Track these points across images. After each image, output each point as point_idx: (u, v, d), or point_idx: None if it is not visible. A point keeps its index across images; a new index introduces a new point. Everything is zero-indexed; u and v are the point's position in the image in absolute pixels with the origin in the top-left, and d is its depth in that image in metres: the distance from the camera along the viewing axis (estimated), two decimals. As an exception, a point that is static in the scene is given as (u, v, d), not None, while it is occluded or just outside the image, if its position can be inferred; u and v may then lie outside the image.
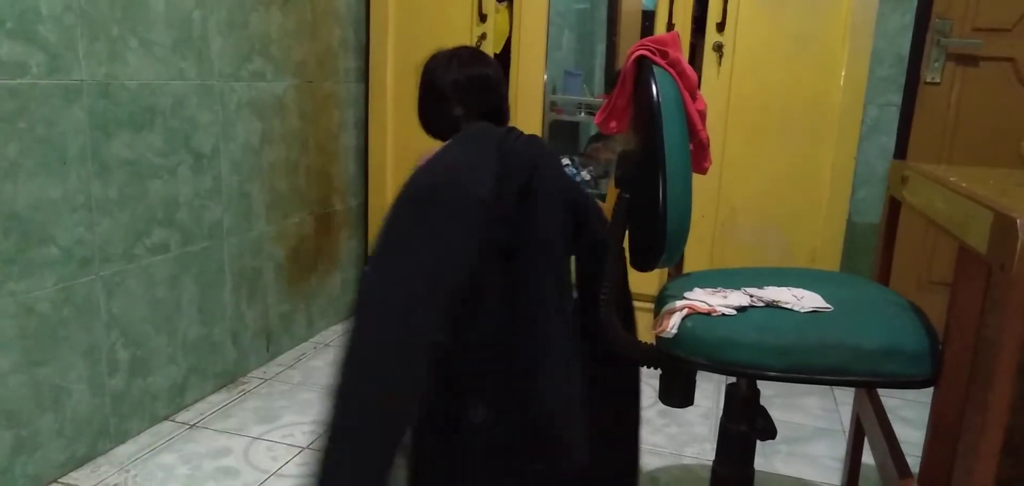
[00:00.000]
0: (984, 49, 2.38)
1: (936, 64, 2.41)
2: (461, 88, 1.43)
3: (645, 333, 1.23)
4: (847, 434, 1.71)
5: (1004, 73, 2.39)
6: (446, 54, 1.49)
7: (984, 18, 2.37)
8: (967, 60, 2.40)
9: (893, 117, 2.45)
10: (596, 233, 1.29)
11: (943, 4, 2.38)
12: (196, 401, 1.97)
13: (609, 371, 1.38)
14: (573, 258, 1.29)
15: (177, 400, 1.91)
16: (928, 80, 2.43)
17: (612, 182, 1.21)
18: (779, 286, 1.15)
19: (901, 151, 2.47)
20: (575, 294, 1.29)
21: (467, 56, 1.48)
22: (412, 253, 1.14)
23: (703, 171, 1.21)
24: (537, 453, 1.24)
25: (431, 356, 1.12)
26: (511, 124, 1.34)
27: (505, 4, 2.38)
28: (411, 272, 1.13)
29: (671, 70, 1.09)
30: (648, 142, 1.07)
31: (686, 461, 1.79)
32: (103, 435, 1.69)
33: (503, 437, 1.23)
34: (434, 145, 1.47)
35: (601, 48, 3.02)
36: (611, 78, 2.93)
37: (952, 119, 2.45)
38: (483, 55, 1.51)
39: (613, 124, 1.22)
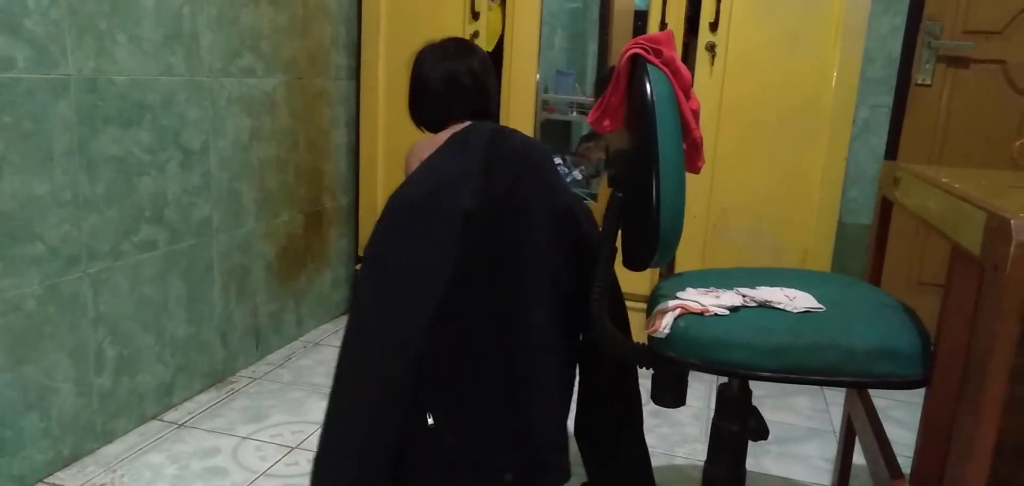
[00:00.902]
0: (975, 51, 2.39)
1: (927, 66, 2.42)
2: (447, 83, 1.42)
3: (638, 333, 1.23)
4: (838, 434, 1.71)
5: (994, 75, 2.40)
6: (434, 47, 1.48)
7: (975, 21, 2.38)
8: (958, 62, 2.42)
9: (884, 118, 2.46)
10: (586, 237, 1.29)
11: (934, 6, 2.39)
12: (184, 400, 1.95)
13: (608, 377, 1.38)
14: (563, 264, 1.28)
15: (165, 399, 1.89)
16: (919, 82, 2.44)
17: (605, 181, 1.21)
18: (771, 286, 1.15)
19: (892, 152, 2.48)
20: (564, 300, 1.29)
21: (453, 49, 1.46)
22: (397, 263, 1.20)
23: (696, 170, 1.21)
24: (507, 464, 1.24)
25: (415, 355, 1.17)
26: (502, 120, 1.34)
27: (497, 3, 2.37)
28: (397, 279, 1.20)
29: (665, 69, 1.09)
30: (642, 141, 1.07)
31: (677, 461, 1.79)
32: (90, 435, 1.67)
33: (471, 445, 1.23)
34: (424, 136, 1.48)
35: (593, 48, 3.01)
36: (601, 79, 2.92)
37: (942, 121, 2.46)
38: (470, 46, 1.50)
39: (607, 122, 1.21)
